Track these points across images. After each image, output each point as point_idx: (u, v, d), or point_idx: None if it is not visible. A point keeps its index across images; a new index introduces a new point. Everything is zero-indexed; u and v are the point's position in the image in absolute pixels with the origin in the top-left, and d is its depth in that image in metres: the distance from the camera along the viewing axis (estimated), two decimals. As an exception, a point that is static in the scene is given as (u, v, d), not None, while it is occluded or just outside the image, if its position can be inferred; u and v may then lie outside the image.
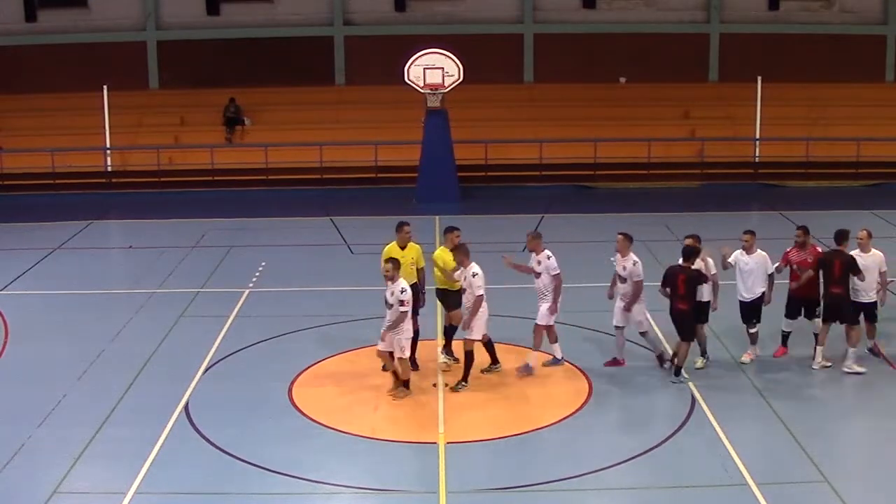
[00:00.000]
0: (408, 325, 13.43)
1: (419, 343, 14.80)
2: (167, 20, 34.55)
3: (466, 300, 13.92)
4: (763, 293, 14.84)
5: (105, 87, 30.80)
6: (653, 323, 15.35)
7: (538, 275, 14.51)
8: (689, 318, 14.24)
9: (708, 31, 34.97)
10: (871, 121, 31.86)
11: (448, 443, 12.29)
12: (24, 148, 30.88)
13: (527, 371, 14.53)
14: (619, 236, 14.77)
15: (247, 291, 19.25)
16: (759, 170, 31.77)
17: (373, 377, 14.32)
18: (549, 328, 14.64)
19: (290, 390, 14.05)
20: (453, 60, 27.63)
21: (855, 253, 14.93)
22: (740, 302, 14.94)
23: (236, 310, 18.03)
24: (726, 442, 12.18)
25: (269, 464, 11.71)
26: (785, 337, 15.26)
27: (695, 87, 34.15)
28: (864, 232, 14.98)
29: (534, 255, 14.60)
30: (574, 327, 16.24)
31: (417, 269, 14.66)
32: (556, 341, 14.79)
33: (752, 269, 14.77)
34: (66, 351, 15.79)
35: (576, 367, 14.80)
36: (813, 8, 35.07)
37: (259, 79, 33.42)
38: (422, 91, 27.86)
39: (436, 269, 14.52)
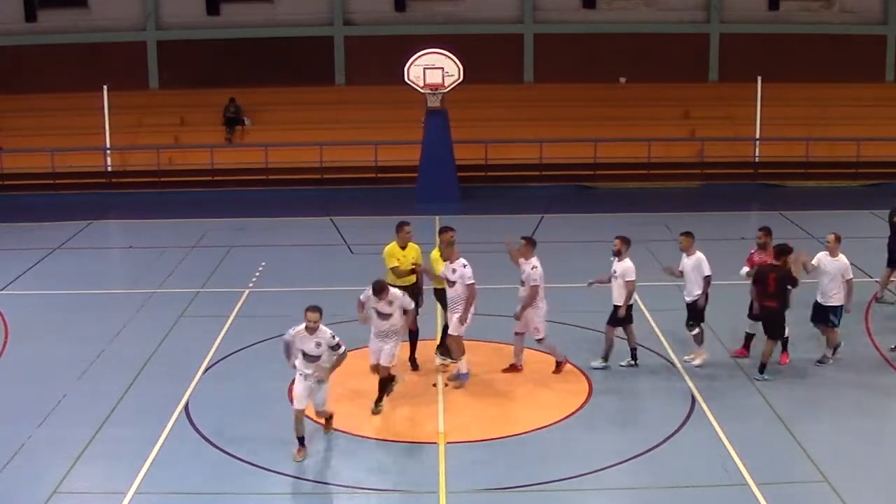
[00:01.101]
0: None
1: (418, 343, 14.83)
2: (167, 20, 34.55)
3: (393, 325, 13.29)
4: (699, 295, 14.67)
5: (105, 87, 30.80)
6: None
7: (452, 283, 14.03)
8: (779, 316, 14.31)
9: (708, 31, 34.94)
10: (871, 121, 31.85)
11: (448, 443, 12.30)
12: (24, 148, 30.86)
13: (461, 379, 14.13)
14: (522, 240, 14.47)
15: (247, 291, 19.25)
16: (759, 170, 31.76)
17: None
18: (457, 339, 14.18)
19: (290, 390, 14.03)
20: (453, 60, 27.61)
21: (822, 254, 14.86)
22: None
23: (236, 310, 18.03)
24: (726, 442, 12.18)
25: (269, 464, 11.71)
26: (748, 338, 15.16)
27: (695, 87, 34.13)
28: (832, 235, 14.88)
29: (448, 263, 14.15)
30: (574, 327, 16.24)
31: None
32: (463, 354, 14.25)
33: (688, 272, 14.69)
34: (66, 351, 15.80)
35: (576, 367, 14.79)
36: (813, 8, 35.06)
37: (259, 79, 33.41)
38: (422, 91, 27.85)
39: (436, 268, 14.51)
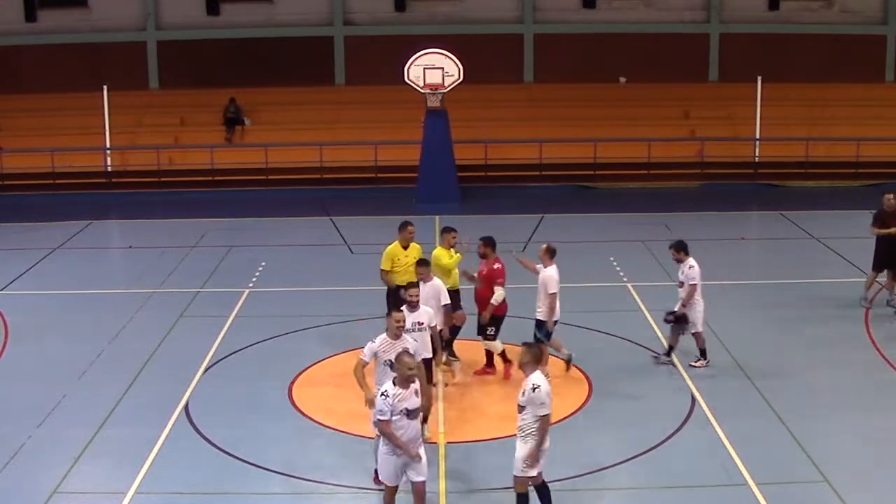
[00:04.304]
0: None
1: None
2: (167, 20, 34.54)
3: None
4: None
5: (105, 87, 30.80)
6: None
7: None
8: None
9: (708, 31, 34.93)
10: (871, 121, 31.83)
11: (448, 443, 12.29)
12: (24, 148, 30.85)
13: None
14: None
15: (247, 291, 19.25)
16: (759, 170, 31.75)
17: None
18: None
19: (289, 390, 14.06)
20: (453, 60, 27.60)
21: (539, 266, 14.27)
22: None
23: (236, 310, 18.03)
24: (726, 442, 12.18)
25: (269, 464, 11.71)
26: (493, 355, 14.56)
27: (695, 87, 34.11)
28: (544, 246, 14.37)
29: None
30: (574, 327, 16.23)
31: (418, 270, 14.66)
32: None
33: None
34: (66, 351, 15.80)
35: (576, 366, 14.78)
36: (813, 8, 35.06)
37: (259, 79, 33.40)
38: (422, 91, 27.84)
39: (434, 269, 14.50)
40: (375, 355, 10.88)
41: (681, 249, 14.68)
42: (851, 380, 14.42)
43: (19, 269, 21.17)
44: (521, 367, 10.25)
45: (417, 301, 12.08)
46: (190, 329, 17.00)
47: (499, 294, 14.01)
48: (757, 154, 32.11)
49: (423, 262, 13.73)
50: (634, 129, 31.52)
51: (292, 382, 14.33)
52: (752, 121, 31.73)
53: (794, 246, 22.79)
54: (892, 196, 17.64)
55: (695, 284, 14.42)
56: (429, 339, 12.02)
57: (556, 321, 14.22)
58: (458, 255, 14.71)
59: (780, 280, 19.79)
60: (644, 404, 13.61)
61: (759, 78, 31.44)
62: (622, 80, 34.72)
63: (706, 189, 30.48)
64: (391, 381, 9.75)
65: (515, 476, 10.11)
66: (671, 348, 14.90)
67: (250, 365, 15.21)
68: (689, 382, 14.13)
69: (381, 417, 9.59)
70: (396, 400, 9.58)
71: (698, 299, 14.54)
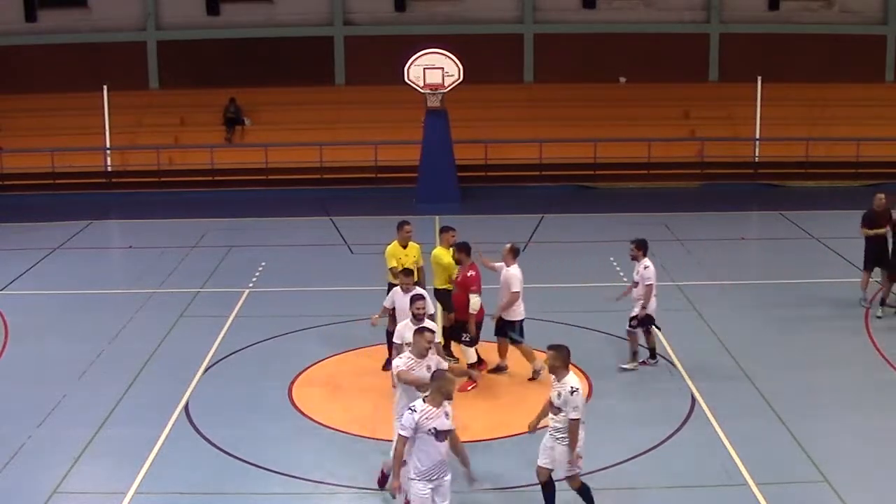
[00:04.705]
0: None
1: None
2: (167, 20, 34.55)
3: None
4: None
5: (105, 87, 30.80)
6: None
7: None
8: None
9: (708, 31, 34.95)
10: (871, 121, 31.83)
11: (448, 443, 12.28)
12: (24, 148, 30.85)
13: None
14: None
15: (247, 291, 19.25)
16: (759, 170, 31.75)
17: (372, 377, 14.32)
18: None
19: (289, 390, 14.06)
20: (453, 60, 27.60)
21: (498, 265, 14.29)
22: None
23: (236, 310, 18.03)
24: (726, 442, 12.18)
25: (269, 464, 11.71)
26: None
27: (695, 87, 34.12)
28: (507, 245, 14.32)
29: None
30: (574, 327, 16.24)
31: (417, 269, 14.68)
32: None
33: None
34: (66, 351, 15.80)
35: (575, 366, 14.74)
36: (813, 8, 35.06)
37: (259, 79, 33.40)
38: (422, 91, 27.84)
39: (435, 268, 14.51)
40: None
41: (640, 248, 14.65)
42: (851, 380, 14.42)
43: (19, 269, 21.17)
44: (552, 370, 10.25)
45: (424, 314, 11.87)
46: (190, 329, 17.00)
47: (475, 303, 14.00)
48: (757, 154, 32.11)
49: (407, 272, 13.56)
50: (634, 129, 31.53)
51: (292, 382, 14.32)
52: (752, 121, 31.73)
53: (794, 246, 22.79)
54: (882, 196, 17.68)
55: (650, 285, 14.41)
56: (436, 353, 11.91)
57: (514, 321, 14.14)
58: None
59: (780, 280, 19.79)
60: (644, 404, 13.61)
61: (759, 78, 31.44)
62: (622, 80, 34.72)
63: (706, 189, 30.48)
64: (421, 399, 9.37)
65: (567, 477, 10.22)
66: (652, 350, 14.90)
67: (250, 365, 15.21)
68: (689, 382, 14.14)
69: (403, 433, 9.14)
70: (423, 417, 9.06)
71: (651, 299, 14.54)
